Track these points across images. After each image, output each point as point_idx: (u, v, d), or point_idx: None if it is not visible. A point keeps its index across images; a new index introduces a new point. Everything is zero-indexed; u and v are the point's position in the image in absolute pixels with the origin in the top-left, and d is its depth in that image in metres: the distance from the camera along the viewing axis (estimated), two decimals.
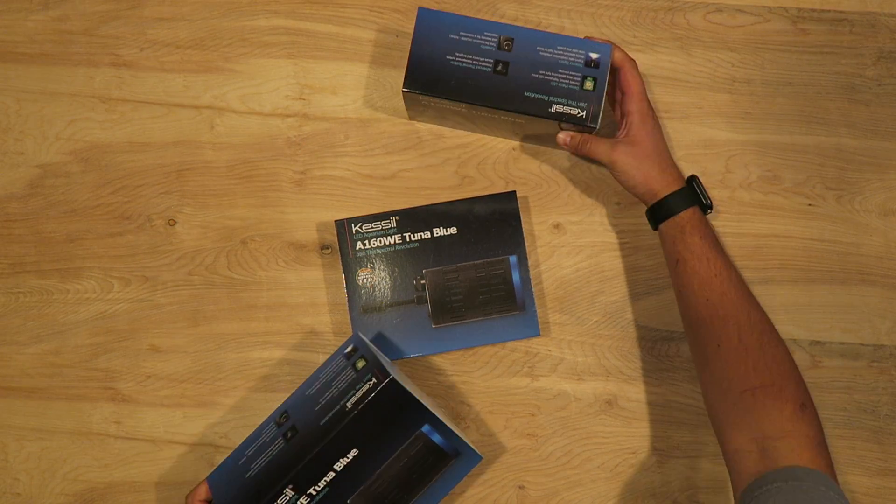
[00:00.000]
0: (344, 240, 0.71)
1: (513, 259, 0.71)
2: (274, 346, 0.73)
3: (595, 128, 0.67)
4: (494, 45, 0.67)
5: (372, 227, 0.71)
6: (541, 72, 0.67)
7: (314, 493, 0.61)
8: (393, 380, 0.59)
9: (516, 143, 0.75)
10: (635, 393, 0.73)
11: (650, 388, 0.73)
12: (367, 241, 0.71)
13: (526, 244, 0.71)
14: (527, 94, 0.67)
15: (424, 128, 0.76)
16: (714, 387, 0.62)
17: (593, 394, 0.73)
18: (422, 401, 0.61)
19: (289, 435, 0.62)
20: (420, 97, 0.68)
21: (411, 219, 0.72)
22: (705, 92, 0.76)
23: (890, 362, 0.74)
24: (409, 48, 0.66)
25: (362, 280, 0.71)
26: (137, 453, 0.72)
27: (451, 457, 0.64)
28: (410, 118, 0.75)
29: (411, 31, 0.66)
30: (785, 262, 0.75)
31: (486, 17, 0.76)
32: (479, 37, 0.67)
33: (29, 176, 0.75)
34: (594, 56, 0.67)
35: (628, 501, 0.72)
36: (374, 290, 0.71)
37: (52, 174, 0.75)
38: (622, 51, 0.68)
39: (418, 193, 0.75)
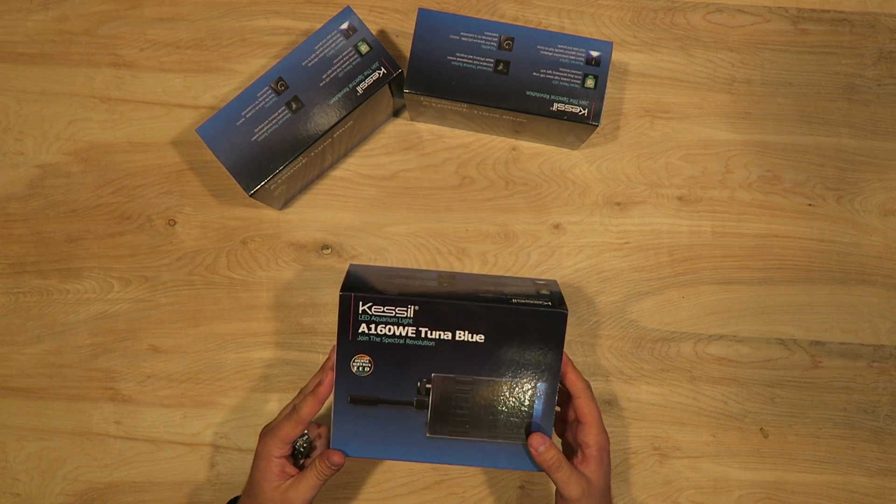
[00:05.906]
0: (346, 318, 0.59)
1: (541, 387, 0.60)
2: (274, 346, 0.73)
3: (596, 125, 0.67)
4: (495, 44, 0.67)
5: (384, 312, 0.59)
6: (542, 70, 0.67)
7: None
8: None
9: (516, 143, 0.75)
10: (635, 393, 0.73)
11: (650, 388, 0.73)
12: (373, 326, 0.59)
13: (560, 347, 0.59)
14: (528, 92, 0.67)
15: (424, 128, 0.76)
16: None
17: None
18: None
19: (293, 106, 0.62)
20: (421, 98, 0.68)
21: (434, 312, 0.59)
22: (705, 92, 0.76)
23: (890, 362, 0.74)
24: (409, 48, 0.67)
25: (357, 368, 0.59)
26: (137, 453, 0.72)
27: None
28: (411, 118, 0.75)
29: (411, 32, 0.66)
30: (785, 262, 0.75)
31: (486, 18, 0.76)
32: (479, 37, 0.67)
33: (29, 176, 0.75)
34: (595, 54, 0.67)
35: (628, 501, 0.72)
36: (368, 382, 0.60)
37: (52, 174, 0.75)
38: (576, 372, 0.60)
39: (418, 193, 0.75)
